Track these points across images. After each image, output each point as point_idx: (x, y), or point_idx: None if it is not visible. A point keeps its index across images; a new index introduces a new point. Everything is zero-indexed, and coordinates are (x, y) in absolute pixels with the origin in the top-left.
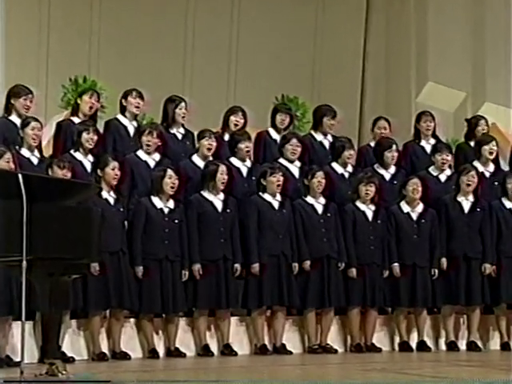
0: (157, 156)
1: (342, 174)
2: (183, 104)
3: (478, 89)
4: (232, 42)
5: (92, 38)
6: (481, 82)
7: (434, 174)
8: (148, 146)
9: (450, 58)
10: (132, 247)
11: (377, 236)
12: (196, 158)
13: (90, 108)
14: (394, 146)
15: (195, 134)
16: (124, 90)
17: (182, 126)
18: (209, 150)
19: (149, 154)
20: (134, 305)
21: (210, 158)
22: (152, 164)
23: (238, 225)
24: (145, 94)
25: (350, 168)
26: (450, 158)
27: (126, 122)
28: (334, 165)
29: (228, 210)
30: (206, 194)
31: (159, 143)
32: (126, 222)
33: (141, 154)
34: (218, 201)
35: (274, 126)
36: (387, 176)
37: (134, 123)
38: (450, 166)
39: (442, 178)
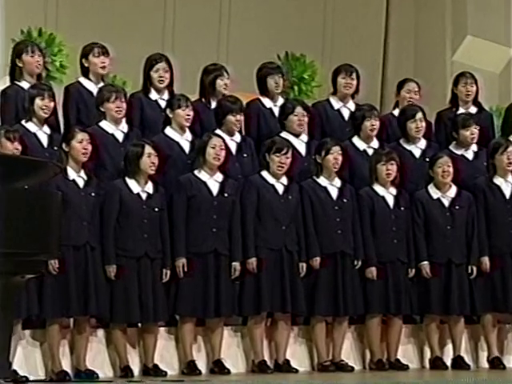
0: (125, 127)
1: (365, 151)
2: (161, 65)
3: None
4: None
5: None
6: None
7: (458, 152)
8: (118, 111)
9: (493, 6)
10: (103, 241)
11: (400, 227)
12: (170, 131)
13: (37, 67)
14: (419, 114)
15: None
16: (83, 47)
17: (169, 91)
18: (187, 120)
19: (116, 124)
20: (103, 312)
21: (188, 132)
22: (120, 137)
23: (239, 213)
24: (115, 51)
25: (375, 143)
26: (477, 131)
27: (91, 85)
28: (355, 140)
29: (225, 194)
30: (199, 173)
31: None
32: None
33: (105, 125)
34: (213, 182)
35: (263, 92)
36: (416, 152)
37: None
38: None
39: (469, 155)
